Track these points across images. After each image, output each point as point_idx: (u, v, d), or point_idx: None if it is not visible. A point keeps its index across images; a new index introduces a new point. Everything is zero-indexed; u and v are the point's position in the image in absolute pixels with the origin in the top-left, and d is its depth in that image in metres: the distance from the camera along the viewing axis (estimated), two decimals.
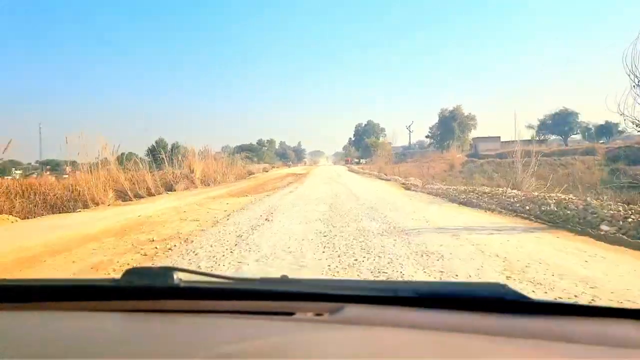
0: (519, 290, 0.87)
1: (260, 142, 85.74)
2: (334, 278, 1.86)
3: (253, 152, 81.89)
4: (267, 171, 39.88)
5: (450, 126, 53.41)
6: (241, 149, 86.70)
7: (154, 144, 43.38)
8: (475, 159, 33.93)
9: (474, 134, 55.40)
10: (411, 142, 67.55)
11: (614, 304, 1.65)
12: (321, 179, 23.83)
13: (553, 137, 52.91)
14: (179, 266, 1.03)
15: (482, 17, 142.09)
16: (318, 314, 0.90)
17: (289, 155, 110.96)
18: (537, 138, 52.72)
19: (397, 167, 32.87)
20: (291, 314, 0.92)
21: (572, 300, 1.29)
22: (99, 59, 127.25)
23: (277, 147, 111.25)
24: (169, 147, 45.00)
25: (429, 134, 60.82)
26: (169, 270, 0.95)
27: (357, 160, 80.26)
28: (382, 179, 23.56)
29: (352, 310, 0.90)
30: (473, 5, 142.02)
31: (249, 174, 32.96)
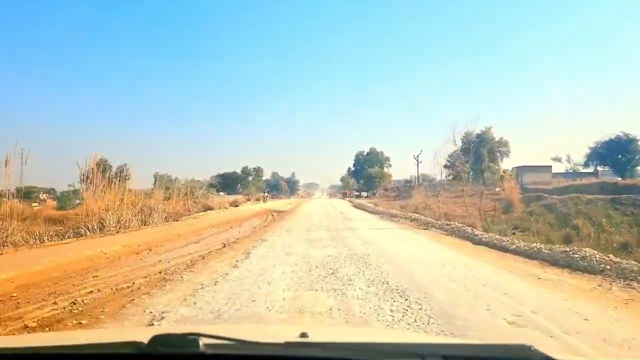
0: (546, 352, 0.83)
1: (245, 171, 75.57)
2: (358, 341, 1.35)
3: (237, 181, 71.89)
4: (236, 206, 29.27)
5: (477, 153, 43.72)
6: (222, 177, 77.48)
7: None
8: (544, 194, 23.77)
9: (506, 163, 45.59)
10: (419, 174, 57.90)
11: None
12: (312, 229, 12.72)
13: (604, 168, 43.28)
14: (204, 332, 1.04)
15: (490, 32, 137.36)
16: None
17: (282, 186, 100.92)
18: (597, 169, 43.53)
19: (427, 203, 22.94)
20: None
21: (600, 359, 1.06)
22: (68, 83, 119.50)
23: (268, 177, 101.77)
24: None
25: (448, 163, 50.91)
26: (194, 337, 0.96)
27: (357, 192, 70.33)
28: (441, 231, 12.74)
29: None
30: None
31: (205, 209, 22.35)
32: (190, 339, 0.96)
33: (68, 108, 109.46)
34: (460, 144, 48.53)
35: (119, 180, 16.50)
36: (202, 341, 0.96)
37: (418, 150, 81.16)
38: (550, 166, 41.51)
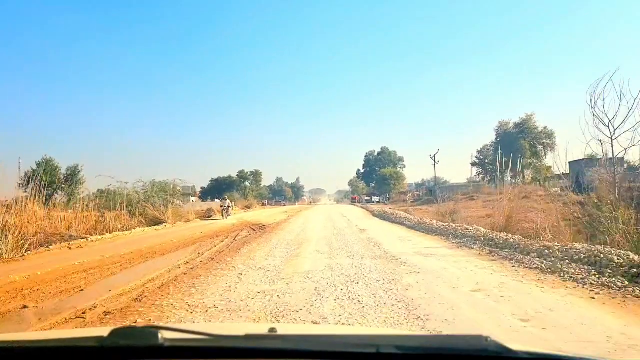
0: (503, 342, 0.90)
1: (242, 175, 68.52)
2: (321, 333, 1.46)
3: (232, 186, 64.87)
4: (209, 217, 22.17)
5: (515, 146, 36.05)
6: (217, 182, 70.72)
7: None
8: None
9: (550, 159, 37.79)
10: (436, 175, 50.01)
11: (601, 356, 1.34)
12: None
13: None
14: (164, 325, 1.13)
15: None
16: None
17: (286, 192, 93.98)
18: None
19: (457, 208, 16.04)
20: None
21: (556, 352, 1.00)
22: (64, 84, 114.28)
23: (272, 183, 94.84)
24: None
25: (477, 160, 43.31)
26: (154, 330, 0.97)
27: (367, 197, 62.85)
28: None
29: None
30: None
31: (154, 223, 15.46)
32: (149, 331, 0.98)
33: (64, 111, 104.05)
34: (494, 137, 41.17)
35: None
36: (162, 334, 0.96)
37: (431, 151, 73.78)
38: (621, 158, 33.75)
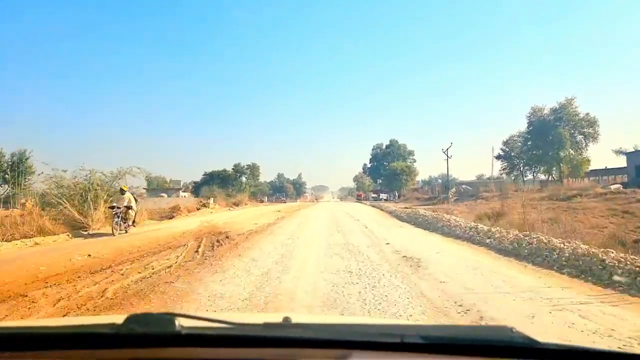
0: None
1: (238, 169, 63.50)
2: (340, 322, 1.44)
3: (227, 181, 59.89)
4: (170, 218, 17.44)
5: (550, 136, 30.79)
6: (210, 177, 65.68)
7: None
8: None
9: (591, 149, 32.49)
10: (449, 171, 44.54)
11: (629, 349, 1.31)
12: None
13: None
14: (181, 312, 1.11)
15: None
16: None
17: (287, 189, 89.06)
18: None
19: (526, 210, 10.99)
20: None
21: (582, 345, 0.99)
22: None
23: (273, 179, 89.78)
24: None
25: (503, 153, 38.03)
26: (170, 317, 0.96)
27: (374, 194, 57.67)
28: None
29: (358, 358, 0.92)
30: None
31: (82, 227, 10.48)
32: (166, 318, 0.96)
33: (65, 109, 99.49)
34: (526, 125, 35.77)
35: None
36: (179, 321, 0.94)
37: (439, 147, 68.53)
38: None
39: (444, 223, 12.46)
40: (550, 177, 34.48)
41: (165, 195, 37.46)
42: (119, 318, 0.97)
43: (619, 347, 2.64)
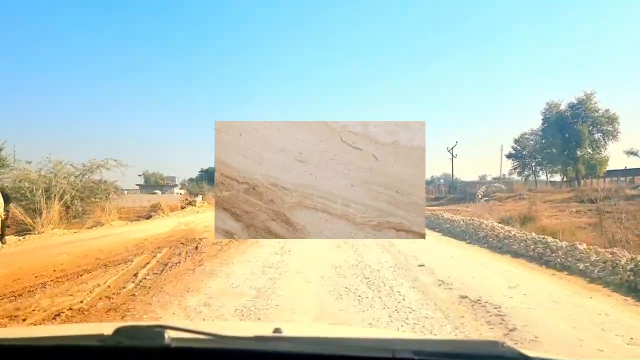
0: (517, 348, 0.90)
1: None
2: (331, 336, 1.36)
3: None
4: (148, 217, 15.72)
5: (567, 133, 28.60)
6: (207, 173, 63.22)
7: None
8: None
9: (612, 149, 30.22)
10: (454, 172, 42.38)
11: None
12: None
13: None
14: (171, 324, 1.01)
15: None
16: None
17: None
18: None
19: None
20: None
21: (572, 359, 1.27)
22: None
23: None
24: None
25: (514, 151, 35.88)
26: (160, 329, 0.93)
27: None
28: None
29: None
30: None
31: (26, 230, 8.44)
32: (155, 331, 0.93)
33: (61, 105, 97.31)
34: (541, 122, 33.45)
35: None
36: (168, 334, 0.92)
37: (439, 146, 66.33)
38: None
39: (486, 232, 9.86)
40: (565, 177, 32.26)
41: (159, 192, 35.50)
42: (107, 328, 0.97)
43: None
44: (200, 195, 30.29)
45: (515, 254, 7.73)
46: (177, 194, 39.37)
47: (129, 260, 6.71)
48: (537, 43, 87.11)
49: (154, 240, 9.55)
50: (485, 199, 25.33)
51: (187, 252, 7.70)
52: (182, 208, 21.72)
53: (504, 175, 49.88)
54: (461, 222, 12.05)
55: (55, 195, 11.64)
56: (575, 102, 29.28)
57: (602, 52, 78.84)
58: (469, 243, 9.79)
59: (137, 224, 14.26)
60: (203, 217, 17.88)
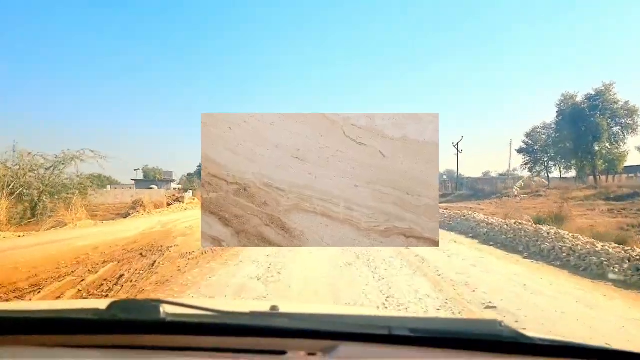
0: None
1: None
2: (329, 313, 1.29)
3: None
4: (125, 216, 15.23)
5: (584, 126, 27.56)
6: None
7: None
8: None
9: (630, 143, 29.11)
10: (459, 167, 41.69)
11: (614, 347, 1.04)
12: None
13: None
14: (166, 299, 1.03)
15: None
16: (311, 354, 0.91)
17: None
18: None
19: None
20: (282, 352, 0.92)
21: (570, 340, 0.98)
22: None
23: None
24: None
25: (525, 146, 34.94)
26: (155, 303, 0.94)
27: None
28: None
29: (345, 349, 0.91)
30: None
31: None
32: (150, 305, 0.94)
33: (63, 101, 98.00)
34: (555, 115, 32.36)
35: None
36: (164, 308, 0.92)
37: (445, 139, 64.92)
38: None
39: (552, 243, 7.69)
40: (580, 173, 31.18)
41: (155, 187, 35.30)
42: (103, 303, 0.96)
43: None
44: (191, 191, 29.53)
45: (626, 284, 5.55)
46: (174, 189, 39.36)
47: (38, 289, 5.40)
48: (538, 42, 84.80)
49: (108, 249, 8.39)
50: (496, 195, 24.54)
51: (134, 273, 6.32)
52: (169, 205, 20.49)
53: (514, 170, 48.85)
54: (504, 226, 10.03)
55: (1, 189, 10.41)
56: (593, 93, 28.16)
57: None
58: (527, 258, 7.67)
59: (108, 225, 13.00)
60: (189, 215, 16.55)
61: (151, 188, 32.30)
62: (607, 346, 1.01)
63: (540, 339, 0.91)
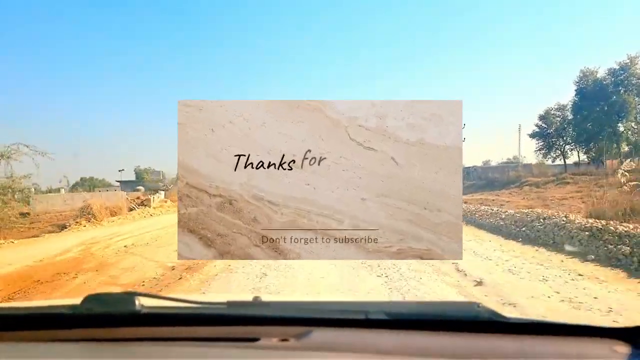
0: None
1: None
2: (305, 300, 1.43)
3: None
4: (62, 228, 13.42)
5: (607, 104, 26.10)
6: None
7: None
8: None
9: None
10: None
11: (589, 323, 1.08)
12: None
13: None
14: (142, 292, 1.01)
15: None
16: (284, 340, 0.90)
17: None
18: None
19: None
20: (255, 339, 0.90)
21: (545, 319, 1.04)
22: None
23: None
24: None
25: (539, 129, 33.23)
26: (130, 296, 0.93)
27: None
28: None
29: (319, 335, 0.91)
30: None
31: None
32: (125, 297, 0.93)
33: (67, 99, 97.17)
34: (574, 94, 30.67)
35: None
36: (139, 300, 0.91)
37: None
38: None
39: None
40: (603, 158, 29.76)
41: (142, 188, 35.15)
42: (79, 299, 0.95)
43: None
44: (163, 192, 26.80)
45: None
46: (161, 190, 37.24)
47: None
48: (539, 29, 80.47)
49: None
50: (511, 185, 23.53)
51: None
52: (131, 210, 17.57)
53: (523, 157, 47.40)
54: (535, 218, 8.82)
55: None
56: (617, 67, 26.42)
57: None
58: (595, 263, 6.22)
59: (12, 247, 9.98)
60: (153, 223, 13.16)
61: (137, 190, 31.56)
62: (580, 322, 0.97)
63: (517, 319, 0.92)
